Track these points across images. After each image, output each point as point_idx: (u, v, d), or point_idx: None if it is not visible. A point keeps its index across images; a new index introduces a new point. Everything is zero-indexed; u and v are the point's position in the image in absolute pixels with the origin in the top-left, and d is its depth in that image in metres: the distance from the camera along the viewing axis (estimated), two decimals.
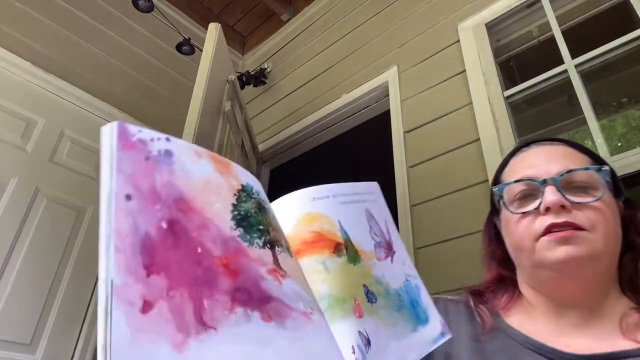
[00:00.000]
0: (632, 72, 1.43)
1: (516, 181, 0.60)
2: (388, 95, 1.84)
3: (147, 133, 0.35)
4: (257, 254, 0.36)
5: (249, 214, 0.38)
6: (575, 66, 1.33)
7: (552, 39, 1.43)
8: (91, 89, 2.09)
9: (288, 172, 2.42)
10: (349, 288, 0.45)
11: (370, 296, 0.47)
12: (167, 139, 0.37)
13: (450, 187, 1.44)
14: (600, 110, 1.34)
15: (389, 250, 0.55)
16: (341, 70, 2.15)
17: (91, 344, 1.77)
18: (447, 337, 0.48)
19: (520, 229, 0.59)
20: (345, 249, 0.49)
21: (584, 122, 1.24)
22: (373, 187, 0.60)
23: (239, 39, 2.92)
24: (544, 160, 0.60)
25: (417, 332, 0.48)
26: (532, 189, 0.59)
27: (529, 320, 0.61)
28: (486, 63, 1.52)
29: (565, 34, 1.42)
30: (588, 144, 1.37)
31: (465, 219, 1.35)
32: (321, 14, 2.46)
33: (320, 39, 2.38)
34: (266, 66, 2.63)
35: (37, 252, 1.72)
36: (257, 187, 0.42)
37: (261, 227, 0.39)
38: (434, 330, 0.49)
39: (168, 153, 0.36)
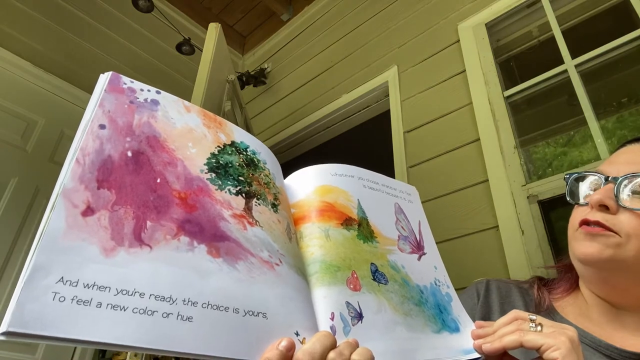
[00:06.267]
0: (632, 72, 1.43)
1: (580, 173, 0.61)
2: (388, 95, 1.84)
3: (138, 84, 0.42)
4: (226, 198, 0.39)
5: (229, 165, 0.42)
6: (575, 66, 1.33)
7: (552, 39, 1.43)
8: (91, 89, 2.05)
9: (288, 172, 2.42)
10: (349, 260, 0.45)
11: (378, 276, 0.46)
12: (158, 92, 0.43)
13: (450, 187, 1.44)
14: (600, 110, 1.33)
15: (418, 248, 0.55)
16: (341, 70, 2.15)
17: None
18: (478, 357, 0.47)
19: (571, 218, 0.59)
20: (358, 225, 0.49)
21: (584, 122, 1.23)
22: (411, 190, 0.61)
23: (239, 39, 2.92)
24: (626, 160, 0.58)
25: (441, 335, 0.47)
26: (598, 184, 0.58)
27: (582, 316, 0.60)
28: (486, 63, 1.52)
29: (565, 34, 1.42)
30: (588, 144, 1.37)
31: (466, 219, 1.35)
32: (321, 14, 2.46)
33: (320, 39, 2.38)
34: (266, 66, 2.63)
35: None
36: (257, 149, 0.47)
37: (241, 178, 0.42)
38: (465, 342, 0.48)
39: (154, 102, 0.42)
